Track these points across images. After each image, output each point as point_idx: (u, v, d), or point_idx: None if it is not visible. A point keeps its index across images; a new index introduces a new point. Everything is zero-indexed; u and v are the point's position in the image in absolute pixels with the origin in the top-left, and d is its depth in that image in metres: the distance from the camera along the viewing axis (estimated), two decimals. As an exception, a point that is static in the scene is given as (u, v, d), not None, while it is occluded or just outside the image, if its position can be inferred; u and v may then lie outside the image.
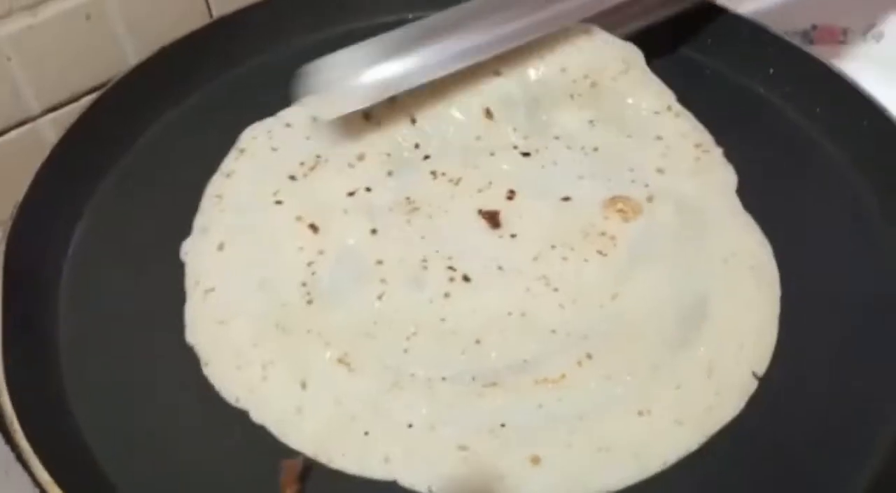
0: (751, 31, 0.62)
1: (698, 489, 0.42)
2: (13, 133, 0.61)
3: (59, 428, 0.43)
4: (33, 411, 0.42)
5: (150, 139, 0.58)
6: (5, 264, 0.46)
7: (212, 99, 0.61)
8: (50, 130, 0.62)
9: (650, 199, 0.53)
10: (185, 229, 0.52)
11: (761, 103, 0.61)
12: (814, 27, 0.76)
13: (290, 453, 0.43)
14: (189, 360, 0.47)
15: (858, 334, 0.47)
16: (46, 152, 0.53)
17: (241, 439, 0.44)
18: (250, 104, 0.60)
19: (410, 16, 0.64)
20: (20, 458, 0.41)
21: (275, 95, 0.59)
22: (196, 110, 0.60)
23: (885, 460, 0.42)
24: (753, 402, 0.45)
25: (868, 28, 0.78)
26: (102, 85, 0.60)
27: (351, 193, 0.54)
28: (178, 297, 0.49)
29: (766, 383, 0.46)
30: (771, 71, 0.61)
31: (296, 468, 0.42)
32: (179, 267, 0.51)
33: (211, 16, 0.65)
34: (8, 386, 0.42)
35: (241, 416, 0.45)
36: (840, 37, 0.77)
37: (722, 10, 0.64)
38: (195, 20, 0.63)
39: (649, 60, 0.60)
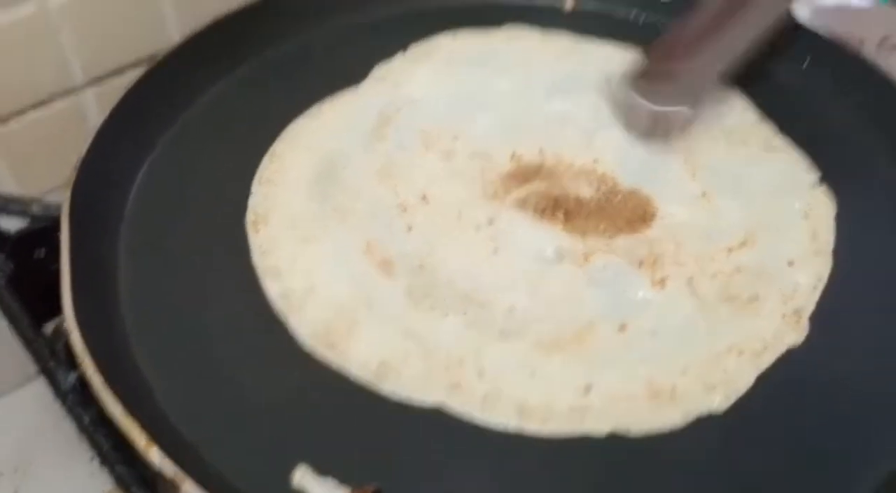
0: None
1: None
2: (57, 103, 0.62)
3: (121, 364, 0.44)
4: (98, 348, 0.42)
5: (199, 108, 0.59)
6: (71, 216, 0.47)
7: (254, 76, 0.62)
8: (93, 102, 0.63)
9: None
10: (236, 178, 0.55)
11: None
12: (830, 38, 0.80)
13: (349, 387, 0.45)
14: (240, 297, 0.49)
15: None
16: (88, 124, 0.55)
17: (304, 374, 0.45)
18: (292, 83, 0.62)
19: (454, 1, 0.67)
20: (85, 392, 0.42)
21: (314, 75, 0.62)
22: (241, 84, 0.62)
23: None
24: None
25: (883, 40, 0.82)
26: (147, 59, 0.61)
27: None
28: (231, 241, 0.51)
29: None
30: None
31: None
32: (232, 213, 0.53)
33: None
34: (78, 326, 0.43)
35: (304, 353, 0.46)
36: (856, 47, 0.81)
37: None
38: (239, -2, 0.64)
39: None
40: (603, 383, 0.45)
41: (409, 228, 0.53)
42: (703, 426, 0.44)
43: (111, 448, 0.46)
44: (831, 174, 0.56)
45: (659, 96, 0.57)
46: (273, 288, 0.49)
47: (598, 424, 0.44)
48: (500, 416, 0.44)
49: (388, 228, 0.53)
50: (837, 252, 0.52)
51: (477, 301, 0.49)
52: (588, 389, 0.45)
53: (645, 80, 0.58)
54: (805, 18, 0.71)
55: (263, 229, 0.52)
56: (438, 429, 0.44)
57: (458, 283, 0.50)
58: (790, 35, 0.64)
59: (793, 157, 0.58)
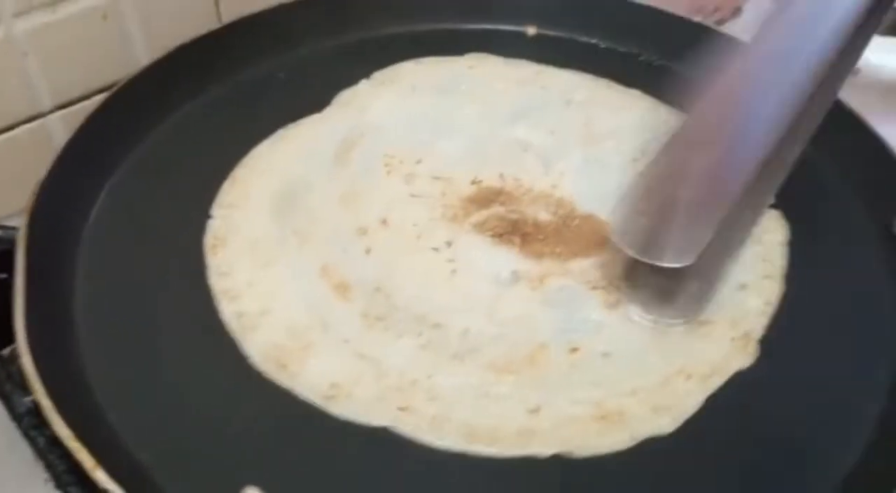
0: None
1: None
2: (23, 128, 0.62)
3: (74, 388, 0.45)
4: (51, 371, 0.43)
5: (163, 132, 0.60)
6: (28, 237, 0.48)
7: (219, 101, 0.63)
8: (59, 127, 0.63)
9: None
10: (196, 202, 0.56)
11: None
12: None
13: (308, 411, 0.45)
14: (191, 321, 0.49)
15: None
16: (54, 148, 0.54)
17: (256, 398, 0.46)
18: (255, 108, 0.63)
19: (419, 28, 0.68)
20: (40, 415, 0.43)
21: (278, 100, 0.63)
22: (206, 109, 0.62)
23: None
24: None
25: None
26: (112, 85, 0.60)
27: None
28: (189, 264, 0.52)
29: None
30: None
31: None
32: (186, 241, 0.53)
33: (220, 21, 0.67)
34: (29, 349, 0.43)
35: (255, 377, 0.46)
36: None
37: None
38: (205, 24, 0.65)
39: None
40: (552, 405, 0.46)
41: (368, 251, 0.53)
42: (651, 447, 0.44)
43: (65, 471, 0.46)
44: (784, 200, 0.57)
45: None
46: (228, 309, 0.50)
47: (544, 446, 0.44)
48: (447, 438, 0.44)
49: (345, 251, 0.53)
50: (789, 277, 0.53)
51: (432, 323, 0.49)
52: (537, 410, 0.45)
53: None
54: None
55: (222, 252, 0.53)
56: (387, 450, 0.44)
57: (414, 305, 0.50)
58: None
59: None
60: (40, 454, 0.48)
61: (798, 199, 0.57)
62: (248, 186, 0.57)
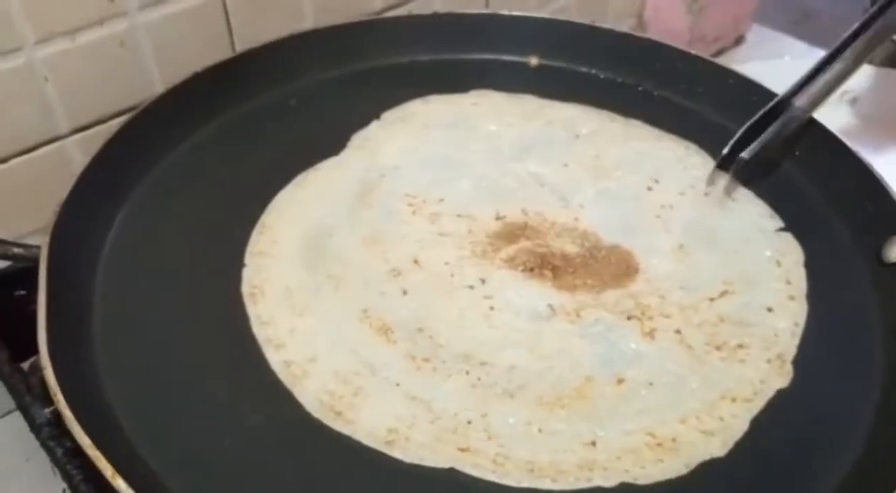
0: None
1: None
2: (42, 150, 0.64)
3: (93, 400, 0.47)
4: (71, 383, 0.45)
5: (179, 155, 0.63)
6: (50, 255, 0.50)
7: (232, 126, 0.66)
8: (76, 150, 0.65)
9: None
10: (211, 229, 0.58)
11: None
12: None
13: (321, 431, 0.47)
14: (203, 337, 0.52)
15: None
16: (72, 170, 0.56)
17: (273, 417, 0.47)
18: (265, 135, 0.66)
19: (422, 58, 0.72)
20: (59, 426, 0.46)
21: (289, 127, 0.66)
22: (220, 133, 0.65)
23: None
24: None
25: (844, 93, 0.87)
26: (130, 109, 0.64)
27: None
28: (199, 288, 0.54)
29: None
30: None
31: None
32: (200, 264, 0.56)
33: (234, 49, 0.70)
34: (51, 361, 0.45)
35: (275, 396, 0.48)
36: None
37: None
38: (219, 53, 0.68)
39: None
40: (607, 437, 0.47)
41: (405, 293, 0.54)
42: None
43: (82, 481, 0.48)
44: (792, 223, 0.59)
45: None
46: (275, 359, 0.51)
47: (606, 477, 0.45)
48: (511, 476, 0.45)
49: (382, 294, 0.54)
50: (811, 296, 0.54)
51: (478, 361, 0.50)
52: (594, 443, 0.47)
53: None
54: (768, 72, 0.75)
55: (261, 301, 0.54)
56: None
57: (457, 344, 0.51)
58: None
59: (756, 206, 0.61)
60: (58, 463, 0.49)
61: (803, 222, 0.60)
62: (277, 233, 0.58)
